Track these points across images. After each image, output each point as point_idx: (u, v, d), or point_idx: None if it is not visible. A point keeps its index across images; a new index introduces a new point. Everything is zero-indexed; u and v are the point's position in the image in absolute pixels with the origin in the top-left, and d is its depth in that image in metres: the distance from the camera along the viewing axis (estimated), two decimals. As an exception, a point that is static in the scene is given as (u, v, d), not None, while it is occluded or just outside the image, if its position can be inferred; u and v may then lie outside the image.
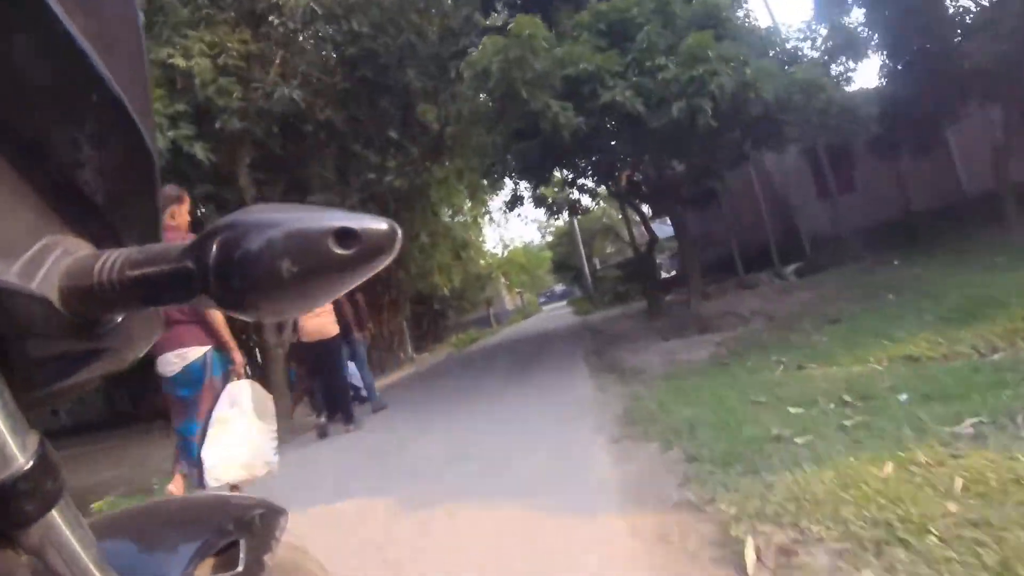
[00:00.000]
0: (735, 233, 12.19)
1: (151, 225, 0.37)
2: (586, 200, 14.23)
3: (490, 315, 28.91)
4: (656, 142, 6.35)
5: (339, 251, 0.27)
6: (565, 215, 23.67)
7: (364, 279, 0.30)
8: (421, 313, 21.76)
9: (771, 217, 11.81)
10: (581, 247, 23.70)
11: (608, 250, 35.36)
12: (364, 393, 7.87)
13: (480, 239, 28.20)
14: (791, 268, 11.69)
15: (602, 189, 16.21)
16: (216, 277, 0.28)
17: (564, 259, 35.95)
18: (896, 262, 8.95)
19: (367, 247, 0.28)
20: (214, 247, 0.28)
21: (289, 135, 14.01)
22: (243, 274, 0.28)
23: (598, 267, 30.70)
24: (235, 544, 0.49)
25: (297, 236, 0.28)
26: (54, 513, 0.29)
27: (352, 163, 13.08)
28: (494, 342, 17.09)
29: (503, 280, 34.86)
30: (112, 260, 0.29)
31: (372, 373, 9.28)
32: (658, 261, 21.11)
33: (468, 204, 21.33)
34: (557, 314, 28.02)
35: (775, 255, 11.58)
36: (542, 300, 63.77)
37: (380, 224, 0.29)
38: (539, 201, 14.72)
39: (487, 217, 27.93)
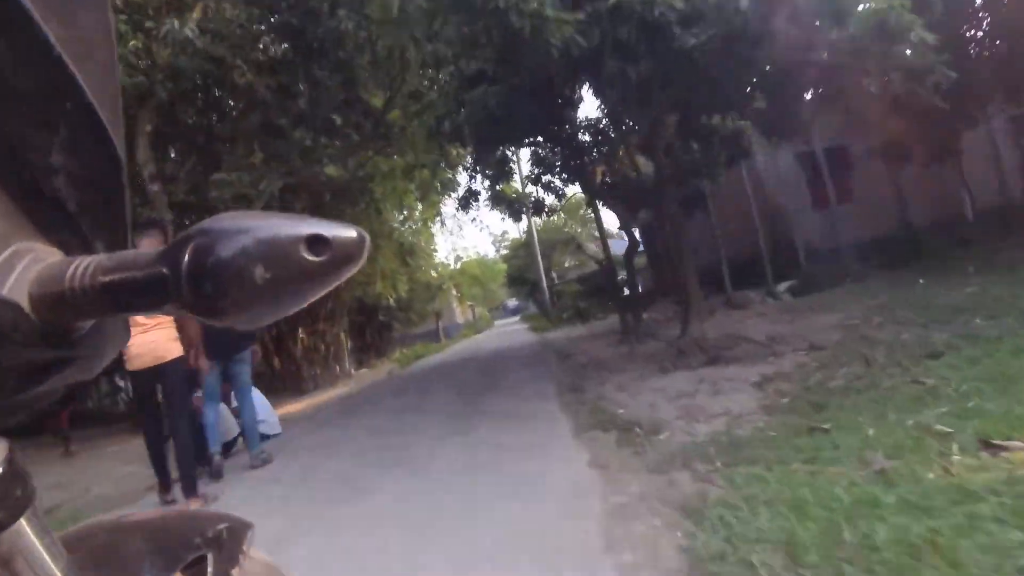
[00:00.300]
0: (723, 244, 10.56)
1: (120, 232, 0.37)
2: (551, 200, 12.36)
3: (439, 328, 26.62)
4: (689, 76, 4.29)
5: (310, 258, 0.28)
6: (524, 222, 21.41)
7: (334, 286, 0.30)
8: (363, 324, 19.57)
9: (763, 227, 10.25)
10: (539, 258, 21.86)
11: (567, 263, 33.82)
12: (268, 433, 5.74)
13: (431, 246, 26.14)
14: (785, 286, 10.21)
15: (572, 189, 14.37)
16: (189, 283, 0.28)
17: (519, 272, 34.16)
18: (924, 277, 7.47)
19: (337, 254, 0.28)
20: (187, 253, 0.28)
21: (202, 101, 11.63)
22: (216, 280, 0.28)
23: (556, 281, 29.04)
24: (203, 559, 0.50)
25: (269, 242, 0.28)
26: (23, 522, 0.29)
27: (278, 143, 10.79)
28: (441, 360, 14.88)
29: (454, 292, 32.61)
30: (84, 266, 0.29)
31: (272, 402, 7.03)
32: (620, 276, 19.81)
33: (419, 207, 19.37)
34: (511, 330, 26.10)
35: (768, 270, 10.00)
36: (495, 315, 61.87)
37: (350, 232, 0.29)
38: (497, 200, 12.79)
39: (439, 223, 26.04)
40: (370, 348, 21.45)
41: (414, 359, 17.15)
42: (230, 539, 0.53)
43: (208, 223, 0.29)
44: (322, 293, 0.30)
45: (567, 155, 9.80)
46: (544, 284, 21.04)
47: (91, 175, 0.34)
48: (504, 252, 38.30)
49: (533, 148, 10.21)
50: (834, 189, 10.62)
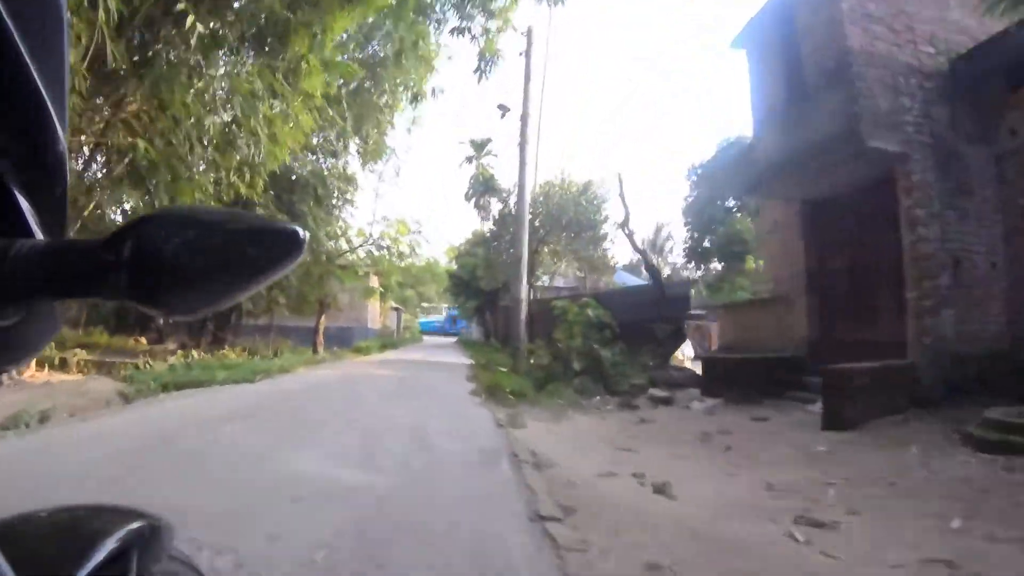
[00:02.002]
0: None
1: (59, 220, 0.37)
2: None
3: (318, 328, 15.93)
4: None
5: (250, 251, 0.28)
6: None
7: (272, 280, 0.31)
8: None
9: None
10: (525, 246, 11.79)
11: (560, 272, 23.98)
12: None
13: (343, 193, 15.83)
14: None
15: None
16: (130, 272, 0.28)
17: (470, 276, 24.14)
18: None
19: (276, 249, 0.29)
20: (129, 242, 0.28)
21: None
22: (157, 271, 0.28)
23: (539, 293, 19.21)
24: (126, 554, 0.50)
25: (211, 235, 0.28)
26: None
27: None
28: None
29: (373, 282, 22.02)
30: (25, 250, 0.29)
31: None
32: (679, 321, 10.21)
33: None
34: (437, 360, 15.95)
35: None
36: (424, 327, 51.22)
37: (290, 228, 0.30)
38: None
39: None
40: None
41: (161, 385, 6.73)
42: (153, 537, 0.54)
43: (153, 214, 0.29)
44: (261, 287, 0.30)
45: None
46: (523, 295, 10.95)
47: (34, 161, 0.34)
48: (457, 251, 28.26)
49: None
50: None
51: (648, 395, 8.03)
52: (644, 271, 34.06)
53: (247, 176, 7.65)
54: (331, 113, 15.03)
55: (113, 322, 16.98)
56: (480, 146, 36.90)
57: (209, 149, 7.05)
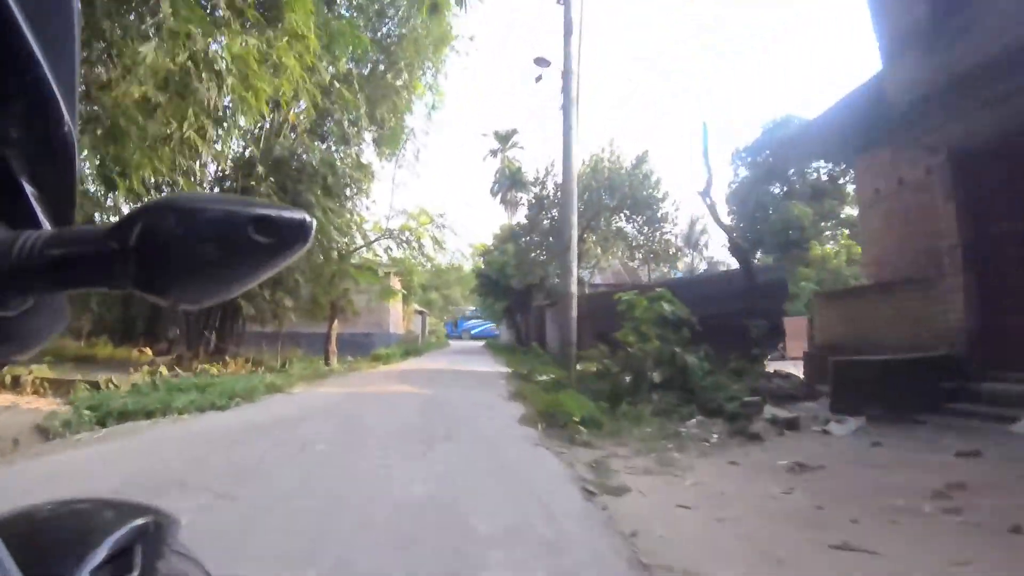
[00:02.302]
0: None
1: (67, 210, 0.37)
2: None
3: (330, 333, 13.96)
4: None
5: (258, 239, 0.28)
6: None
7: (279, 268, 0.31)
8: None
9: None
10: (574, 228, 9.51)
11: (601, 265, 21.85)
12: None
13: (356, 182, 14.02)
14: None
15: None
16: (137, 261, 0.28)
17: (499, 274, 22.07)
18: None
19: (284, 237, 0.29)
20: (136, 231, 0.28)
21: None
22: (164, 258, 0.28)
23: (590, 287, 17.00)
24: (130, 549, 0.50)
25: (218, 223, 0.28)
26: None
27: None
28: None
29: (395, 283, 20.06)
30: (32, 240, 0.29)
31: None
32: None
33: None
34: (467, 368, 13.89)
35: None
36: (452, 331, 49.32)
37: (297, 215, 0.30)
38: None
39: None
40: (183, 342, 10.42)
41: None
42: (158, 532, 0.55)
43: (159, 201, 0.29)
44: (268, 275, 0.30)
45: None
46: (573, 287, 8.72)
47: (43, 151, 0.33)
48: (484, 248, 26.16)
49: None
50: None
51: (764, 415, 5.80)
52: (694, 264, 31.31)
53: (210, 131, 5.74)
54: (342, 91, 13.16)
55: (120, 331, 15.49)
56: (505, 138, 34.78)
57: (154, 91, 5.08)
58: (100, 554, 0.47)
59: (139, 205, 0.29)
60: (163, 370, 8.27)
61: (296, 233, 0.29)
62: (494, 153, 34.12)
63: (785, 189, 29.54)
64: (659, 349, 7.00)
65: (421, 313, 33.77)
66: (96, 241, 0.28)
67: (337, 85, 14.04)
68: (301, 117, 13.72)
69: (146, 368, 8.24)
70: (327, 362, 13.15)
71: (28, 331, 0.33)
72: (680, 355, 7.08)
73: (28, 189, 0.33)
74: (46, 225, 0.35)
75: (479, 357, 20.27)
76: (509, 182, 31.57)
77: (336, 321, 13.62)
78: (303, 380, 9.52)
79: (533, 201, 21.62)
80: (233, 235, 0.28)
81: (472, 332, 45.21)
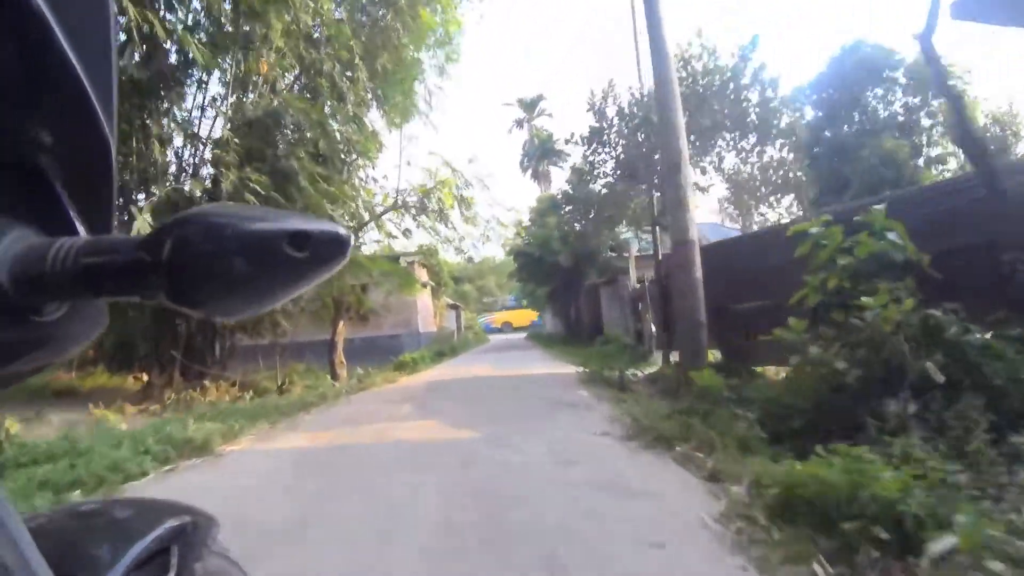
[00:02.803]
0: None
1: (105, 216, 0.37)
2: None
3: (334, 344, 10.69)
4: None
5: (292, 253, 0.28)
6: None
7: (315, 283, 0.30)
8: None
9: None
10: (682, 129, 5.97)
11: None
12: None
13: (353, 145, 10.95)
14: None
15: None
16: (169, 272, 0.28)
17: (543, 250, 18.58)
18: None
19: (319, 251, 0.28)
20: (169, 242, 0.28)
21: None
22: (196, 271, 0.28)
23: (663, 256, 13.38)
24: (167, 550, 0.50)
25: (251, 236, 0.28)
26: None
27: None
28: None
29: (420, 275, 16.68)
30: (66, 248, 0.29)
31: None
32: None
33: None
34: (521, 372, 10.46)
35: None
36: (487, 324, 46.14)
37: (333, 229, 0.29)
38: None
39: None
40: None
41: None
42: (195, 533, 0.55)
43: (192, 213, 0.29)
44: (303, 290, 0.30)
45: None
46: (692, 232, 5.17)
47: (79, 157, 0.33)
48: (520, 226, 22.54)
49: None
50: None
51: None
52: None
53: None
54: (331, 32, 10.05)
55: (120, 356, 12.84)
56: (531, 105, 31.12)
57: None
58: (134, 554, 0.47)
59: (174, 216, 0.28)
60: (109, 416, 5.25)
61: (332, 248, 0.29)
62: (520, 124, 30.63)
63: (862, 126, 25.10)
64: (920, 317, 3.48)
65: (455, 308, 30.63)
66: (130, 251, 0.28)
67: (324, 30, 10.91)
68: (277, 69, 10.61)
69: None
70: (334, 377, 9.99)
71: (64, 336, 0.33)
72: (948, 324, 3.55)
73: (63, 195, 0.33)
74: (82, 232, 0.34)
75: (528, 353, 16.90)
76: (539, 152, 28.08)
77: (342, 324, 10.42)
78: (278, 414, 6.30)
79: (573, 168, 18.17)
80: (267, 249, 0.27)
81: (487, 328, 38.81)
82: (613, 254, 18.27)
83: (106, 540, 0.50)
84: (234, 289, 0.28)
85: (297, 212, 0.30)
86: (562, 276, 18.26)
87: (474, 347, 24.98)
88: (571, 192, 18.24)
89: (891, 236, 4.11)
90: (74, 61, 0.30)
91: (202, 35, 9.03)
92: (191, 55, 8.20)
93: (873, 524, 1.92)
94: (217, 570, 0.56)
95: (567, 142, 14.35)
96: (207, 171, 9.61)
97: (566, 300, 21.13)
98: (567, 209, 18.23)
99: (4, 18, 0.27)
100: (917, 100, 21.15)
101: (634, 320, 13.32)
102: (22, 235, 0.30)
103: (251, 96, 10.39)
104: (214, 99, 10.15)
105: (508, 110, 26.12)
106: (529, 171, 29.34)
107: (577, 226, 17.66)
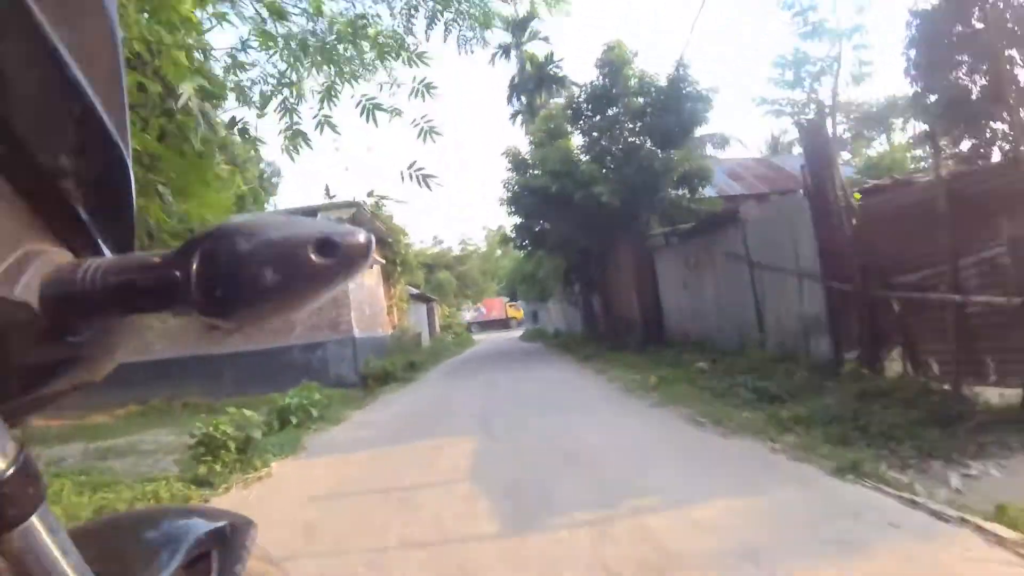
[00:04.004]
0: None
1: (127, 235, 0.38)
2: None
3: None
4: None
5: (319, 260, 0.28)
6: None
7: (341, 288, 0.31)
8: None
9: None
10: None
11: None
12: None
13: None
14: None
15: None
16: (199, 285, 0.28)
17: (563, 182, 10.82)
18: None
19: (345, 257, 0.29)
20: (197, 255, 0.28)
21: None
22: (226, 282, 0.28)
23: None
24: (208, 555, 0.51)
25: (279, 245, 0.28)
26: (34, 519, 0.29)
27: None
28: None
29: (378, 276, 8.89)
30: (94, 268, 0.30)
31: None
32: None
33: None
34: (521, 386, 2.80)
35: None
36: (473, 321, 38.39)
37: (358, 235, 0.30)
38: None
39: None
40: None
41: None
42: (234, 537, 0.55)
43: (219, 226, 0.29)
44: (328, 295, 0.31)
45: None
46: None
47: (99, 178, 0.34)
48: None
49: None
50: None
51: None
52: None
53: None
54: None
55: None
56: (521, 25, 23.37)
57: None
58: (176, 560, 0.48)
59: (201, 231, 0.29)
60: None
61: (357, 252, 0.29)
62: (506, 51, 22.75)
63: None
64: None
65: (426, 301, 22.74)
66: (157, 267, 0.29)
67: None
68: None
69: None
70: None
71: (96, 355, 0.33)
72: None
73: (86, 217, 0.34)
74: (107, 252, 0.35)
75: (549, 372, 9.25)
76: (535, 83, 20.53)
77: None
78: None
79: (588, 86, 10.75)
80: (294, 257, 0.28)
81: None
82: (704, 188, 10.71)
83: (147, 548, 0.50)
84: (264, 298, 0.28)
85: (320, 221, 0.30)
86: (595, 226, 10.55)
87: (452, 356, 17.07)
88: (606, 82, 10.54)
89: None
90: (86, 86, 0.30)
91: None
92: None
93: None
94: (257, 572, 0.56)
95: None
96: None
97: (591, 278, 13.44)
98: (597, 117, 10.63)
99: (19, 51, 0.28)
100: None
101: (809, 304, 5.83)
102: (50, 258, 0.30)
103: None
104: None
105: (491, 37, 17.44)
106: (520, 103, 21.59)
107: (630, 135, 10.03)
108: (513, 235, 14.23)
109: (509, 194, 12.22)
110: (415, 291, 18.63)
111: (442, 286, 30.80)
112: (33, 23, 0.27)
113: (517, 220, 13.21)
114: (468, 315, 44.90)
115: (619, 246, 11.62)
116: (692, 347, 8.94)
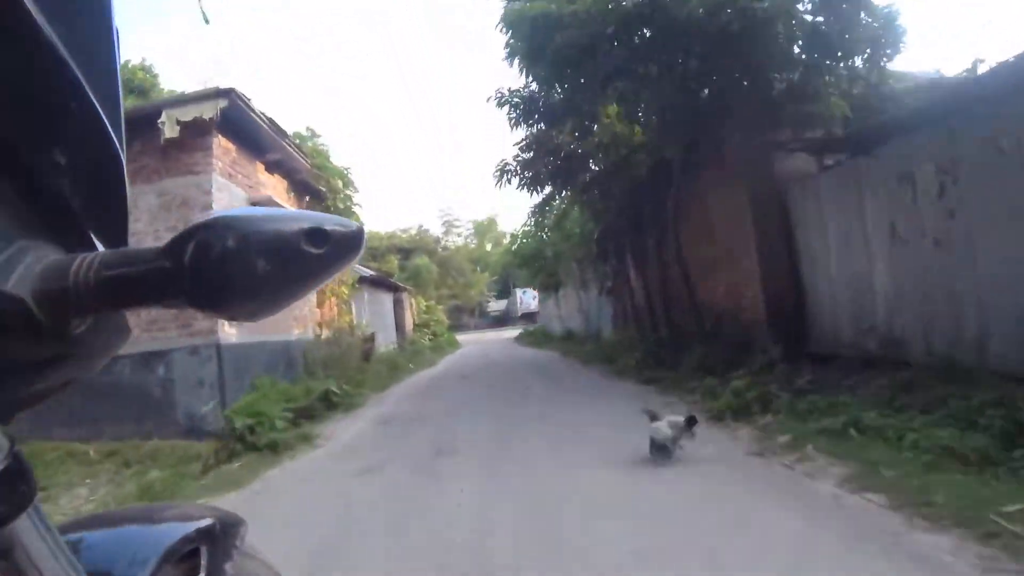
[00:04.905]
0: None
1: (120, 230, 0.37)
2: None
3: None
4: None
5: (311, 250, 0.28)
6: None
7: (333, 278, 0.31)
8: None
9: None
10: None
11: None
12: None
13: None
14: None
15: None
16: (192, 277, 0.28)
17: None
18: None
19: (337, 246, 0.29)
20: (190, 248, 0.28)
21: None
22: (219, 274, 0.28)
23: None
24: (197, 551, 0.50)
25: (271, 236, 0.28)
26: (24, 517, 0.29)
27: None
28: None
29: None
30: (88, 262, 0.29)
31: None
32: None
33: None
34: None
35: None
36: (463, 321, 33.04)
37: (349, 225, 0.30)
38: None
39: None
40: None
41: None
42: (223, 534, 0.55)
43: (211, 217, 0.29)
44: (322, 285, 0.31)
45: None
46: None
47: (93, 173, 0.34)
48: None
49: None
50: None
51: None
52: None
53: None
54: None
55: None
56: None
57: None
58: (161, 554, 0.47)
59: (192, 223, 0.29)
60: None
61: (349, 242, 0.29)
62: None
63: None
64: None
65: (394, 290, 17.39)
66: (150, 260, 0.28)
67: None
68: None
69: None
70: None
71: (89, 350, 0.33)
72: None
73: (80, 212, 0.33)
74: (100, 247, 0.34)
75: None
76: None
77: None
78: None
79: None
80: (286, 248, 0.28)
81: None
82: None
83: (135, 543, 0.50)
84: (256, 289, 0.28)
85: (312, 212, 0.30)
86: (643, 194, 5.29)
87: (419, 370, 11.70)
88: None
89: None
90: (83, 82, 0.30)
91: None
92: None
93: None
94: (247, 570, 0.55)
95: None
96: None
97: (643, 242, 8.22)
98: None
99: (17, 47, 0.27)
100: None
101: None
102: (43, 254, 0.30)
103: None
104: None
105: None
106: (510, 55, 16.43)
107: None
108: (518, 109, 7.69)
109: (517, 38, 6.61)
110: (369, 273, 13.21)
111: (420, 273, 25.41)
112: (29, 19, 0.27)
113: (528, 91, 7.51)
114: (496, 306, 39.29)
115: (710, 174, 6.34)
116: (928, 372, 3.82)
